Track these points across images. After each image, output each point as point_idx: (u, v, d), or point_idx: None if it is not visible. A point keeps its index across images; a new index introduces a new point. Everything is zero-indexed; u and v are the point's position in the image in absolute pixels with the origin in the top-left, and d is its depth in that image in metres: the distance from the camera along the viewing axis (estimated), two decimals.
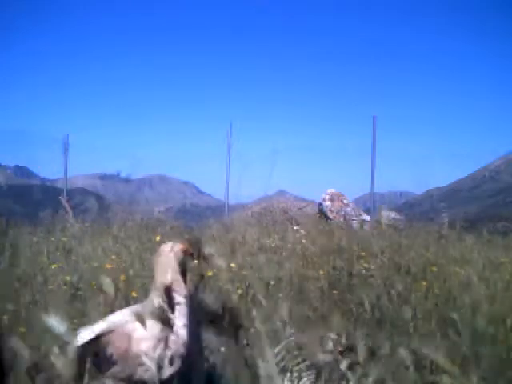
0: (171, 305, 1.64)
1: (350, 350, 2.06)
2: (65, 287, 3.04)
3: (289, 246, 4.52)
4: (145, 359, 1.51)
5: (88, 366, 1.45)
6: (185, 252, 1.77)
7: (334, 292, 3.16)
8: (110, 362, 1.52)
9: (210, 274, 3.38)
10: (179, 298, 1.66)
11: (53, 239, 4.66)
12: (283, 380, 1.61)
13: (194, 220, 10.92)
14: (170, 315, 1.62)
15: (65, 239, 4.56)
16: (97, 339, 1.57)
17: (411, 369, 1.78)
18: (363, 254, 3.94)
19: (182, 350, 1.58)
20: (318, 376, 1.81)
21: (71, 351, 1.35)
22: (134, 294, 2.66)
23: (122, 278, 2.80)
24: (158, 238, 5.19)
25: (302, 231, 5.32)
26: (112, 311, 1.86)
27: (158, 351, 1.54)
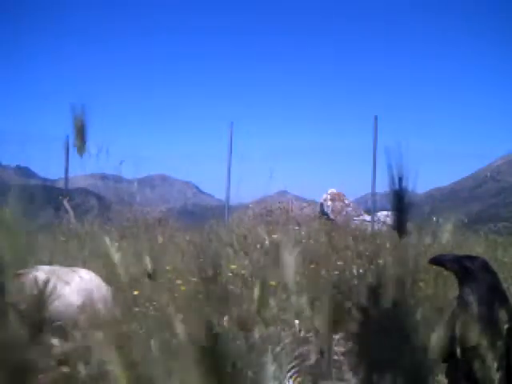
0: None
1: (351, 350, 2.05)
2: None
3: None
4: None
5: None
6: None
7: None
8: None
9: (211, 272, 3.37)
10: None
11: (52, 239, 4.66)
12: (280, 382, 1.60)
13: (195, 220, 10.93)
14: None
15: (64, 239, 4.56)
16: None
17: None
18: (365, 254, 3.95)
19: None
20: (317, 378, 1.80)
21: None
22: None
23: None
24: (160, 239, 5.19)
25: (303, 232, 5.32)
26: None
27: None
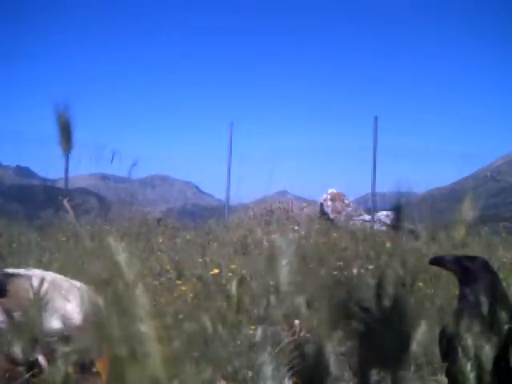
0: None
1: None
2: None
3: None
4: None
5: None
6: None
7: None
8: None
9: (212, 272, 3.38)
10: None
11: (53, 239, 4.66)
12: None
13: (195, 220, 10.92)
14: None
15: (64, 239, 4.56)
16: None
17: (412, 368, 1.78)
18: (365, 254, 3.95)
19: None
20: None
21: None
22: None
23: None
24: (161, 240, 5.19)
25: (302, 232, 5.32)
26: None
27: None
